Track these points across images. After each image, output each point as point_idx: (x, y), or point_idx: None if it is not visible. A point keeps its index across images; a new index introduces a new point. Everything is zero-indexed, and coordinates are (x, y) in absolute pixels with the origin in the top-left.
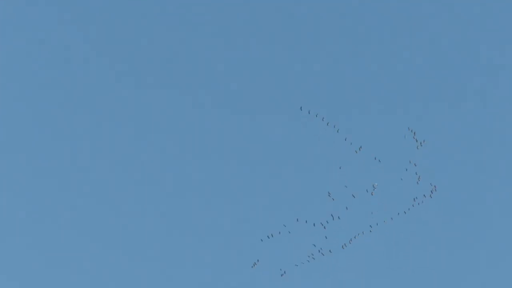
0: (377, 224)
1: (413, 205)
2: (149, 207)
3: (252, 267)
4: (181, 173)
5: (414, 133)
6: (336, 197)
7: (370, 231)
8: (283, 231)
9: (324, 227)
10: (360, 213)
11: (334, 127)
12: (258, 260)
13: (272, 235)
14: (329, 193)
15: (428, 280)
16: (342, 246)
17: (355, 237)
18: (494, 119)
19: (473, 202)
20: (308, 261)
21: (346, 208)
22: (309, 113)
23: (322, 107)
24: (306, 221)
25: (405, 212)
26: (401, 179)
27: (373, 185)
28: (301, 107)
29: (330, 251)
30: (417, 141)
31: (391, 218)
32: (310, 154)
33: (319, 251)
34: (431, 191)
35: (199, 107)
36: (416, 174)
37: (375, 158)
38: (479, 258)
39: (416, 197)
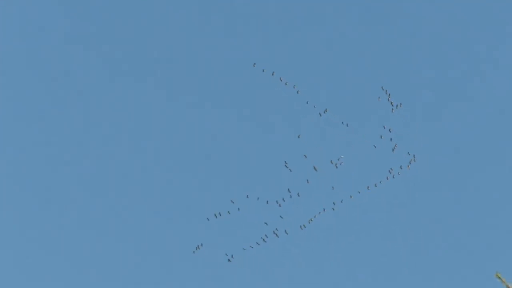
0: (341, 201)
1: (387, 178)
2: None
3: (194, 251)
4: (120, 146)
5: (389, 94)
6: (294, 169)
7: (333, 209)
8: (232, 209)
9: (280, 205)
10: (322, 188)
11: (294, 87)
12: (201, 244)
13: (220, 213)
14: (286, 163)
15: (402, 264)
16: (301, 227)
17: (315, 216)
18: (479, 81)
19: (457, 175)
20: (259, 244)
21: (307, 181)
22: (263, 71)
23: (280, 65)
24: (258, 198)
25: (376, 186)
26: (374, 146)
27: (339, 158)
28: (254, 64)
29: (286, 232)
30: (392, 103)
31: (359, 192)
32: (264, 119)
33: (274, 232)
34: (410, 162)
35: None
36: (391, 140)
37: (342, 123)
38: (460, 240)
39: (392, 168)
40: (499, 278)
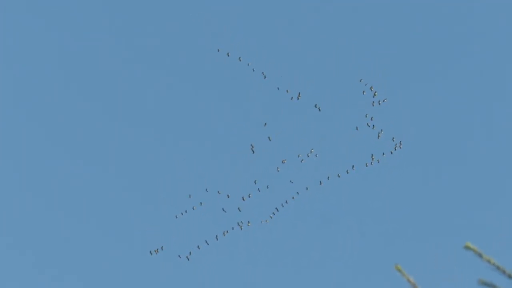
0: (307, 188)
1: (366, 164)
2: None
3: (152, 253)
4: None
5: (371, 86)
6: (261, 160)
7: (293, 198)
8: (195, 203)
9: (244, 199)
10: (287, 178)
11: (263, 73)
12: (162, 247)
13: (186, 211)
14: (252, 146)
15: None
16: (262, 222)
17: (277, 210)
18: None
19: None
20: (217, 238)
21: (277, 169)
22: (228, 55)
23: (242, 47)
24: (218, 192)
25: (348, 172)
26: (357, 128)
27: (310, 151)
28: (218, 49)
29: (248, 223)
30: (375, 94)
31: (328, 179)
32: (228, 106)
33: (238, 224)
34: (394, 147)
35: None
36: (374, 128)
37: (315, 106)
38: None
39: (373, 155)
40: (400, 270)
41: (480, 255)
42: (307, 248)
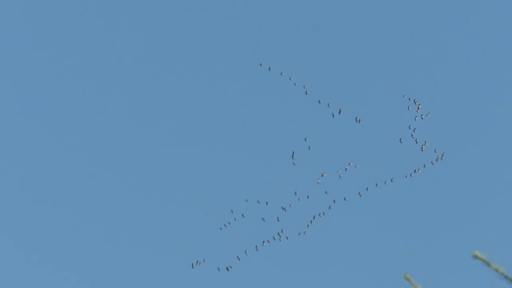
0: (344, 199)
1: (406, 176)
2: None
3: (193, 266)
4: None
5: (415, 100)
6: (299, 166)
7: (330, 207)
8: (237, 215)
9: (285, 209)
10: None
11: (304, 87)
12: (204, 260)
13: (229, 222)
14: (293, 155)
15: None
16: (299, 234)
17: (314, 218)
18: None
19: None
20: (257, 249)
21: (317, 181)
22: (270, 70)
23: (279, 60)
24: (258, 201)
25: (386, 183)
26: (400, 140)
27: (348, 165)
28: (260, 63)
29: (287, 237)
30: (418, 108)
31: (367, 189)
32: (270, 120)
33: (279, 234)
34: (436, 159)
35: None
36: (417, 142)
37: (356, 119)
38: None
39: (416, 169)
40: (408, 279)
41: (488, 264)
42: (344, 257)
